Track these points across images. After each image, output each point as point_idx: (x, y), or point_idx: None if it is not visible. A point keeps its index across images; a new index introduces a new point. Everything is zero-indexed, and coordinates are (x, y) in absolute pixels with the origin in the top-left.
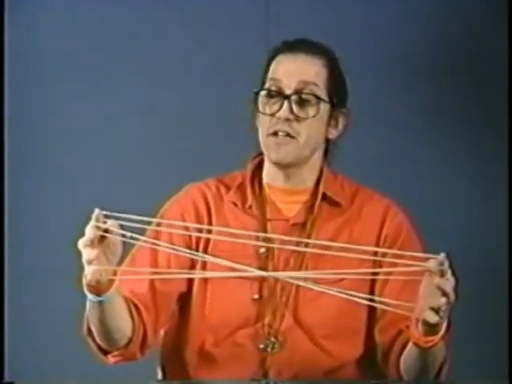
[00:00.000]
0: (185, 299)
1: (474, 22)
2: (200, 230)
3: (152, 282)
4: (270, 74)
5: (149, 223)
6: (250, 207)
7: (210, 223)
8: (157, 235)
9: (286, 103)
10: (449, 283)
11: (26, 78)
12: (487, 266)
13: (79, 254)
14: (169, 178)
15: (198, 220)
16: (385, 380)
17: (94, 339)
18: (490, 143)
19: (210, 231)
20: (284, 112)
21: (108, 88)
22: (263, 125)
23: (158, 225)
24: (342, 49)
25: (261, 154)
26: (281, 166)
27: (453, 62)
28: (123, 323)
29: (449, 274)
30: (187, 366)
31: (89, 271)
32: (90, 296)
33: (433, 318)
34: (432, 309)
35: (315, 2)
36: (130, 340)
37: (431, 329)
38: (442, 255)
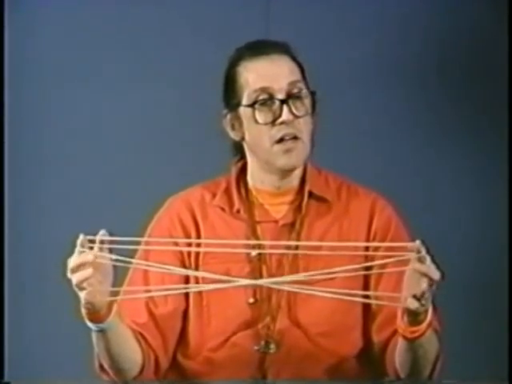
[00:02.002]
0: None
1: (474, 21)
2: (189, 243)
3: (149, 309)
4: (251, 86)
5: (138, 244)
6: (238, 211)
7: (198, 233)
8: (147, 257)
9: (284, 107)
10: (429, 269)
11: (26, 78)
12: (487, 266)
13: None
14: (167, 182)
15: (186, 233)
16: (384, 380)
17: (108, 374)
18: (489, 143)
19: (199, 241)
20: (286, 115)
21: (107, 88)
22: (263, 135)
23: (147, 245)
24: (342, 48)
25: (243, 158)
26: (288, 170)
27: (453, 62)
28: (131, 351)
29: (428, 260)
30: (186, 371)
31: (82, 295)
32: (92, 326)
33: (413, 304)
34: (414, 296)
35: (315, 1)
36: (143, 367)
37: (415, 318)
38: (417, 242)
